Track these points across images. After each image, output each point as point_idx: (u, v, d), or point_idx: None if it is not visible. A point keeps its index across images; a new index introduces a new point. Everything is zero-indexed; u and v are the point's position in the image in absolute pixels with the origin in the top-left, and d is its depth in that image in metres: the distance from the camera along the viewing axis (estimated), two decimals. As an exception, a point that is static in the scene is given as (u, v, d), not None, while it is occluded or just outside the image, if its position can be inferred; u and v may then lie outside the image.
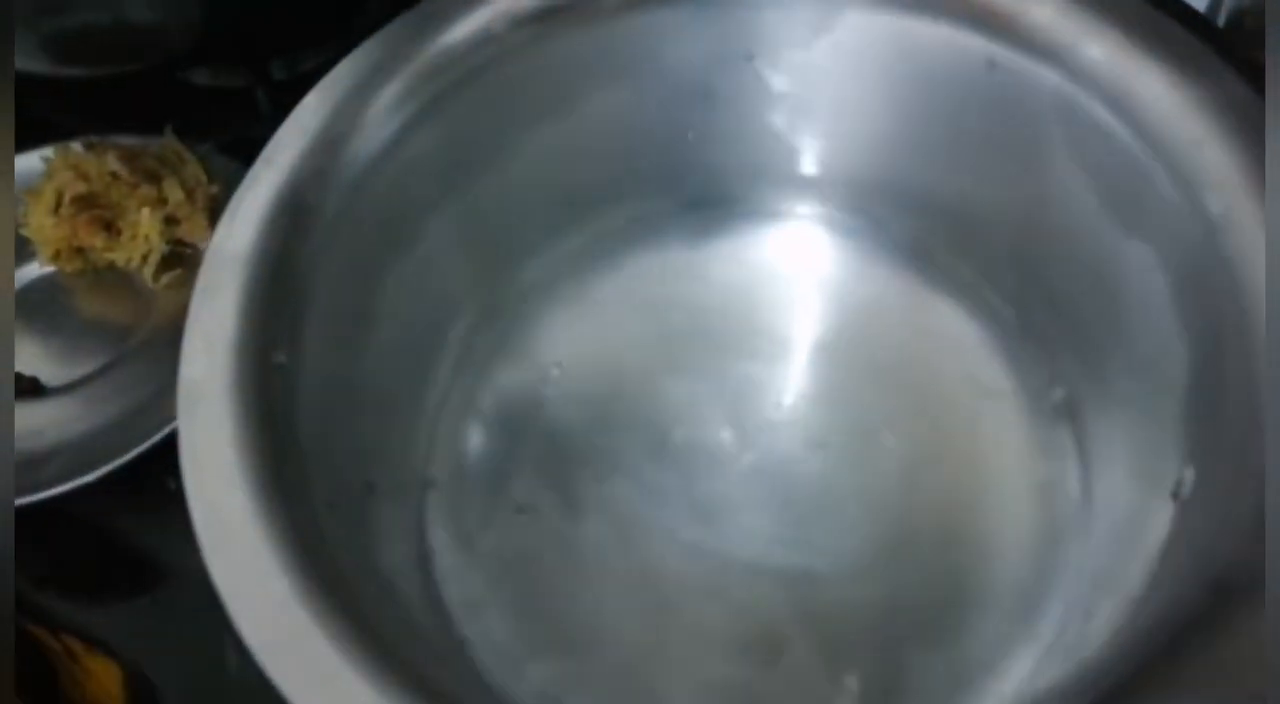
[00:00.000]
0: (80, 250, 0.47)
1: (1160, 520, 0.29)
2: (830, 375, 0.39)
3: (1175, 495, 0.28)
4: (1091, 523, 0.34)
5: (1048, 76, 0.32)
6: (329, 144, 0.32)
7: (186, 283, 0.41)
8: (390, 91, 0.32)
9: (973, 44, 0.33)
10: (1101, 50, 0.30)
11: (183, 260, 0.47)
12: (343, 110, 0.32)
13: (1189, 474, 0.28)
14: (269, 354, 0.29)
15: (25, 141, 0.48)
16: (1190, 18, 0.39)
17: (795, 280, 0.41)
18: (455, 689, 0.26)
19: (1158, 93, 0.29)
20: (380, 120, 0.32)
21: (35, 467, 0.40)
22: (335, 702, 0.23)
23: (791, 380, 0.39)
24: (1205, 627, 0.22)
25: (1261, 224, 0.27)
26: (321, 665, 0.24)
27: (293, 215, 0.30)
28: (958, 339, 0.38)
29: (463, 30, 0.33)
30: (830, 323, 0.40)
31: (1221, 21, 0.45)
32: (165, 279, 0.46)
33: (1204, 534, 0.25)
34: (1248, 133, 0.28)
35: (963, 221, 0.38)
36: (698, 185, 0.41)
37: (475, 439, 0.39)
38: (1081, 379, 0.36)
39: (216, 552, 0.25)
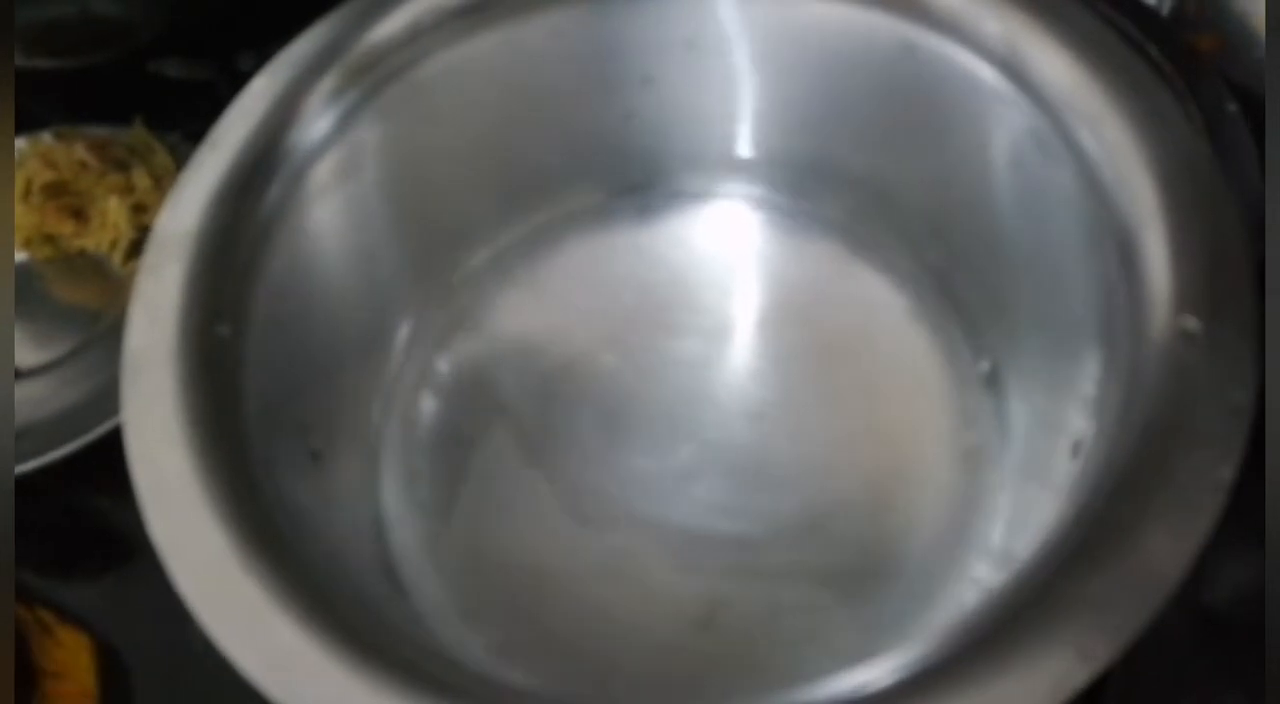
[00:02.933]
0: (51, 237, 0.48)
1: (1062, 480, 0.30)
2: (768, 350, 0.40)
3: (1075, 453, 0.30)
4: (1009, 493, 0.35)
5: (962, 57, 0.33)
6: (273, 129, 0.33)
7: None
8: (330, 80, 0.34)
9: (890, 28, 0.34)
10: (1003, 28, 0.31)
11: (151, 246, 0.48)
12: (286, 97, 0.33)
13: (1088, 432, 0.30)
14: (212, 326, 0.30)
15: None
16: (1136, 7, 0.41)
17: (735, 259, 0.42)
18: (396, 642, 0.27)
19: (1058, 71, 0.31)
20: (321, 108, 0.33)
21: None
22: (262, 643, 0.24)
23: (732, 355, 0.40)
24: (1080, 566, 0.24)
25: (1150, 189, 0.28)
26: (252, 611, 0.25)
27: (236, 197, 0.32)
28: (889, 314, 0.40)
29: (402, 19, 0.34)
30: (768, 299, 0.41)
31: (1165, 10, 0.47)
32: (134, 264, 0.47)
33: (1091, 482, 0.26)
34: (1143, 109, 0.29)
35: (890, 198, 0.39)
36: (638, 170, 0.42)
37: (429, 413, 0.40)
38: (1004, 350, 0.37)
39: (155, 506, 0.27)
